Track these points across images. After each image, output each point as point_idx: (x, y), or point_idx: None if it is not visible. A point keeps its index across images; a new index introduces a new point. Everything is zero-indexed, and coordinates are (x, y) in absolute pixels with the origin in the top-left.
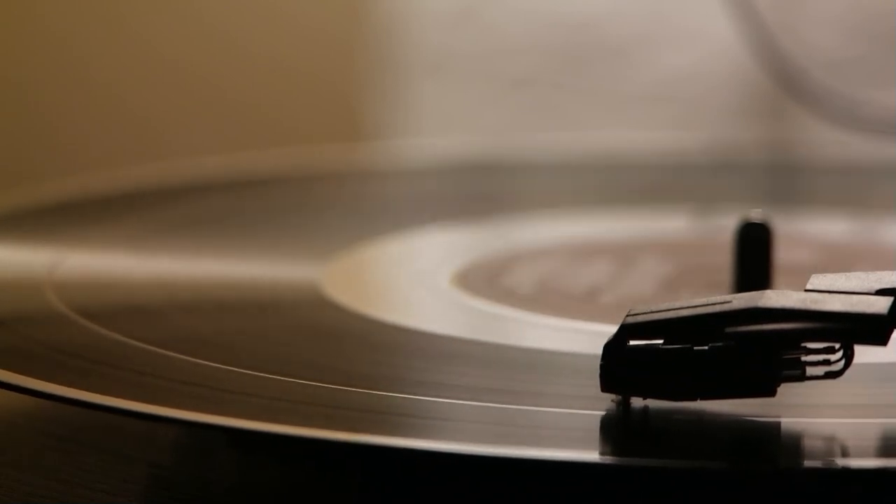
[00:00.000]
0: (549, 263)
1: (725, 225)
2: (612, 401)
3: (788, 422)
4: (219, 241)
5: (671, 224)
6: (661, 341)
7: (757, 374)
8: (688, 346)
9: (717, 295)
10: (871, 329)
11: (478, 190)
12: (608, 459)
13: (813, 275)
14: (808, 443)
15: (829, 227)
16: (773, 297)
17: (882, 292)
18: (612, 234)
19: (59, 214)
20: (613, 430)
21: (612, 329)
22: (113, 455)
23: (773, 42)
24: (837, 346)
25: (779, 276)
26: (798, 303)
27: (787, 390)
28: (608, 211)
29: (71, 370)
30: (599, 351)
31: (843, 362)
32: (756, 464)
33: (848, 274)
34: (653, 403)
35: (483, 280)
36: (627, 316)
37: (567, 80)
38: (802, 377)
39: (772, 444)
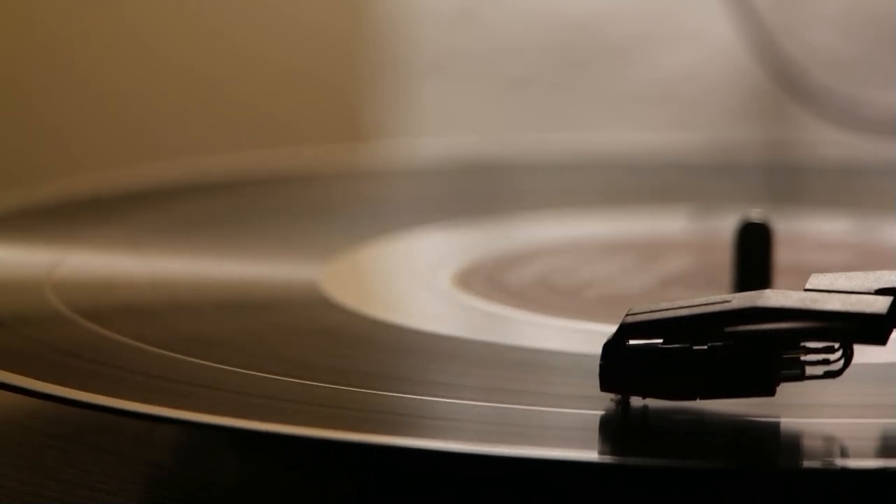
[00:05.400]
0: (549, 263)
1: (725, 225)
2: (612, 400)
3: (788, 422)
4: (219, 241)
5: (671, 224)
6: (660, 341)
7: (756, 373)
8: (687, 345)
9: (716, 295)
10: (871, 329)
11: (478, 190)
12: (607, 459)
13: (812, 274)
14: (807, 443)
15: (829, 227)
16: (772, 297)
17: (881, 292)
18: (611, 234)
19: (59, 214)
20: (613, 429)
21: (611, 329)
22: (113, 455)
23: (774, 42)
24: (837, 345)
25: (779, 276)
26: (797, 302)
27: (786, 390)
28: (608, 211)
29: (71, 370)
30: (599, 350)
31: (842, 362)
32: (755, 464)
33: (847, 273)
34: (652, 403)
35: (483, 280)
36: (627, 315)
37: (567, 80)
38: (802, 377)
39: (771, 444)
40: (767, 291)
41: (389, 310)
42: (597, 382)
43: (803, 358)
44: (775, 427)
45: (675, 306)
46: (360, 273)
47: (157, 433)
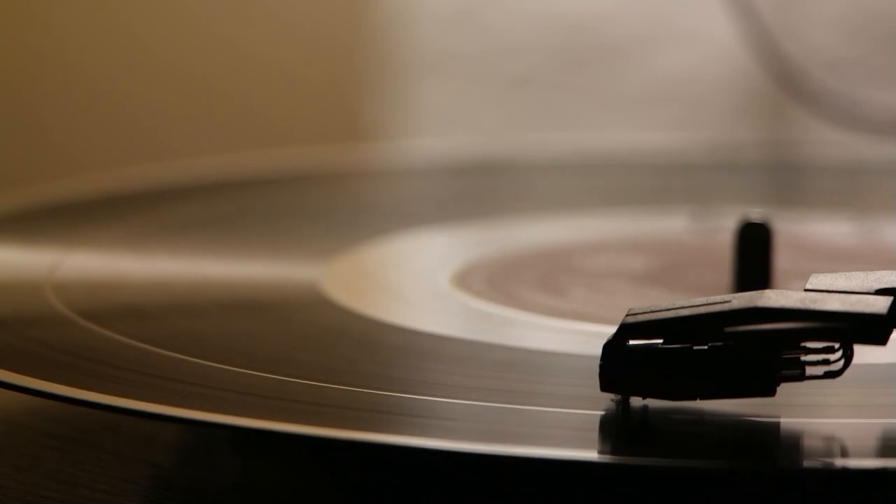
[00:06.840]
0: (548, 263)
1: (725, 225)
2: (612, 400)
3: (788, 422)
4: (219, 241)
5: (671, 224)
6: (660, 341)
7: (756, 373)
8: (687, 345)
9: (716, 295)
10: (871, 329)
11: (478, 190)
12: (607, 459)
13: (812, 274)
14: (807, 443)
15: (829, 227)
16: (772, 297)
17: (881, 292)
18: (611, 233)
19: (59, 214)
20: (613, 429)
21: (611, 329)
22: (113, 455)
23: (773, 42)
24: (837, 345)
25: (779, 275)
26: (797, 302)
27: (786, 390)
28: (608, 211)
29: (71, 370)
30: (599, 351)
31: (842, 362)
32: (755, 464)
33: (847, 274)
34: (652, 403)
35: (483, 280)
36: (627, 315)
37: (567, 80)
38: (802, 377)
39: (771, 444)
40: (767, 291)
41: (389, 310)
42: (597, 382)
43: (803, 358)
44: (775, 427)
45: (675, 306)
46: (360, 273)
47: (157, 433)
